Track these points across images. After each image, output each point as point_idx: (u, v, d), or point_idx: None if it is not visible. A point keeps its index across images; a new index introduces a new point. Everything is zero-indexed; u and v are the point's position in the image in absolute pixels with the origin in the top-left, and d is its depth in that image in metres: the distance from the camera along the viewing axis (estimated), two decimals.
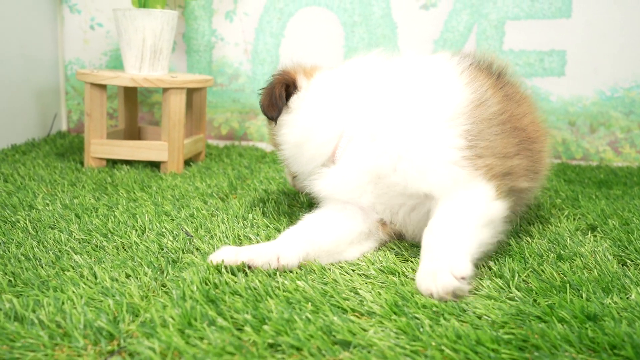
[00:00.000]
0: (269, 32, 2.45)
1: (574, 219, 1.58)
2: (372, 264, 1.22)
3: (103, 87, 1.99)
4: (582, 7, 2.33)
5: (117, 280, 1.09)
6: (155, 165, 2.07)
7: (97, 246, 1.27)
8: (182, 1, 2.45)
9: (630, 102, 2.38)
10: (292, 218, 1.50)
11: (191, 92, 2.16)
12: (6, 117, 2.19)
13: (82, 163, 2.05)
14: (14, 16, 2.18)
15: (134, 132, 2.28)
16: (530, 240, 1.37)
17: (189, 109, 2.17)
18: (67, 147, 2.31)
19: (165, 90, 1.96)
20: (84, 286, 1.06)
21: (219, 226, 1.41)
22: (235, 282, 1.08)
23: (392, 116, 1.30)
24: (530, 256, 1.27)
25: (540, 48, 2.38)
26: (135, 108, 2.27)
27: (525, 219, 1.55)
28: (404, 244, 1.35)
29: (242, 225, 1.43)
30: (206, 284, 1.07)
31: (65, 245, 1.26)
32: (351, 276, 1.16)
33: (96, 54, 2.51)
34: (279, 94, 1.41)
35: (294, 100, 1.42)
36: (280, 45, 2.45)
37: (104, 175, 1.88)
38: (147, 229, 1.38)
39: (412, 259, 1.26)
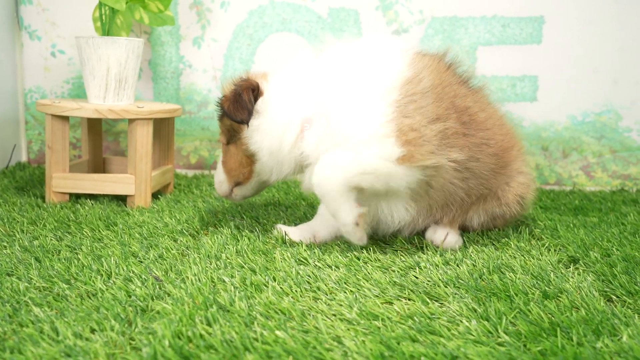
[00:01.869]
0: (238, 58, 2.40)
1: (555, 251, 1.55)
2: (351, 308, 1.16)
3: (65, 118, 1.90)
4: (552, 33, 2.34)
5: (80, 336, 1.01)
6: (121, 199, 1.98)
7: (59, 295, 1.19)
8: (148, 27, 2.38)
9: (602, 126, 2.39)
10: (268, 256, 1.43)
11: (159, 122, 2.09)
12: None
13: (43, 198, 1.95)
14: None
15: (98, 164, 2.19)
16: (513, 276, 1.33)
17: (156, 139, 2.09)
18: (27, 179, 2.20)
19: (131, 121, 1.88)
20: (45, 345, 0.97)
21: (190, 268, 1.33)
22: (211, 334, 1.01)
23: (338, 97, 1.44)
24: (516, 294, 1.22)
25: (512, 73, 2.37)
26: (99, 138, 2.19)
27: (506, 252, 1.52)
28: (383, 282, 1.29)
29: (215, 266, 1.36)
30: (179, 338, 1.00)
31: (24, 296, 1.17)
32: (333, 322, 1.09)
33: (58, 81, 2.41)
34: (248, 98, 1.51)
35: (260, 103, 1.53)
36: (250, 71, 2.39)
37: (66, 211, 1.78)
38: (113, 274, 1.30)
39: (395, 301, 1.20)
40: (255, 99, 1.53)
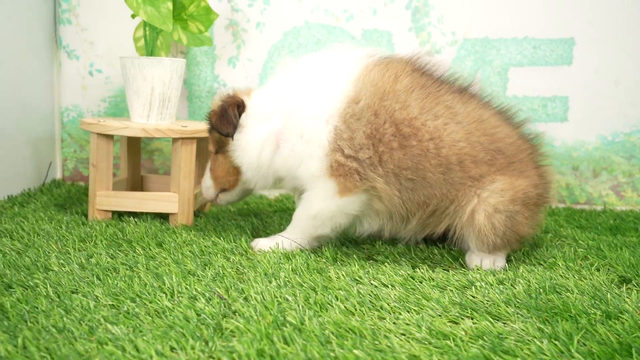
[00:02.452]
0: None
1: (604, 271, 1.56)
2: (420, 327, 1.17)
3: (110, 137, 1.92)
4: (583, 54, 2.37)
5: (162, 354, 1.02)
6: (162, 216, 2.00)
7: (128, 313, 1.20)
8: (184, 47, 2.42)
9: (631, 146, 2.41)
10: (323, 274, 1.45)
11: (198, 140, 2.11)
12: (1, 167, 2.10)
13: (85, 215, 1.97)
14: (8, 62, 2.11)
15: (137, 182, 2.21)
16: (571, 296, 1.34)
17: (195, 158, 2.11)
18: (65, 197, 2.22)
19: (175, 140, 1.91)
20: None
21: (252, 286, 1.35)
22: (293, 353, 1.02)
23: (291, 117, 1.60)
24: (579, 315, 1.24)
25: (543, 94, 2.40)
26: (138, 157, 2.21)
27: (556, 271, 1.53)
28: (443, 301, 1.30)
29: (275, 284, 1.37)
30: (262, 356, 1.01)
31: (96, 314, 1.18)
32: (404, 341, 1.11)
33: (95, 100, 2.44)
34: (234, 114, 1.65)
35: (243, 118, 1.67)
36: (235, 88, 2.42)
37: (113, 229, 1.80)
38: (176, 292, 1.31)
39: (460, 321, 1.22)
40: (240, 115, 1.67)
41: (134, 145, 2.18)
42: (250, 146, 1.65)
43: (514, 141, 1.62)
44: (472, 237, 1.58)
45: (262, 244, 1.68)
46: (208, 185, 1.79)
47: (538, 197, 1.61)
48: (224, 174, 1.75)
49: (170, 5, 1.89)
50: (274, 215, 2.13)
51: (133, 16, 2.06)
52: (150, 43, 2.02)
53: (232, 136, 1.66)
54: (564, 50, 2.38)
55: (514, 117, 1.69)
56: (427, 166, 1.54)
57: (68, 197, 2.23)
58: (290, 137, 1.60)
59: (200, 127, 1.98)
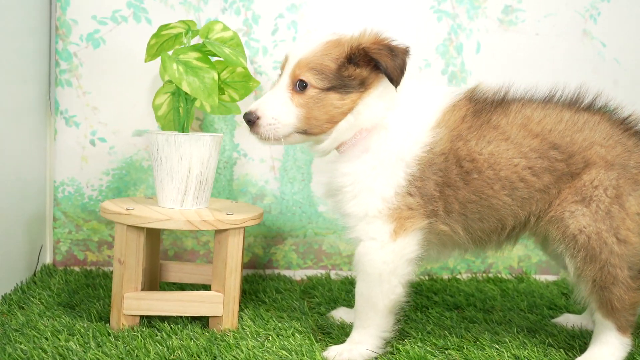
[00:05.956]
0: (299, 146, 2.20)
1: None
2: None
3: (140, 228, 1.62)
4: None
5: None
6: (198, 319, 1.70)
7: None
8: (200, 113, 2.15)
9: None
10: None
11: None
12: None
13: (104, 318, 1.65)
14: None
15: (154, 272, 1.90)
16: None
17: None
18: (67, 291, 1.88)
19: (220, 231, 1.63)
20: None
21: None
22: None
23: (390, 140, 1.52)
24: None
25: None
26: (157, 242, 1.90)
27: None
28: None
29: None
30: None
31: None
32: None
33: (96, 173, 2.12)
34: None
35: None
36: (312, 161, 2.20)
37: (151, 342, 1.49)
38: None
39: None
40: None
41: (153, 230, 1.88)
42: (378, 110, 1.50)
43: (571, 121, 1.49)
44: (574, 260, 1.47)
45: (346, 355, 1.44)
46: (285, 121, 1.49)
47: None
48: (326, 117, 1.50)
49: (215, 75, 1.63)
50: (320, 297, 1.90)
51: (147, 60, 1.77)
52: (185, 117, 1.74)
53: (399, 84, 1.46)
54: None
55: (575, 100, 1.56)
56: (491, 193, 1.46)
57: (70, 290, 1.88)
58: (373, 153, 1.49)
59: (247, 213, 1.71)
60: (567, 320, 1.77)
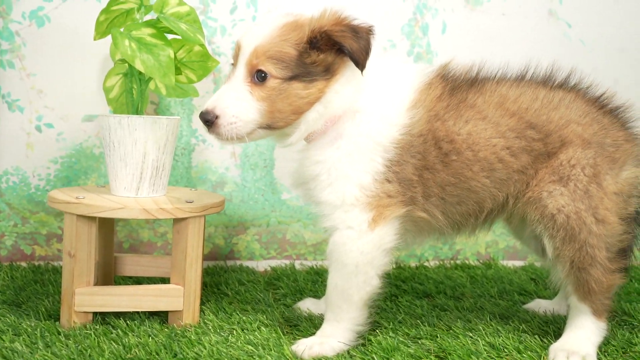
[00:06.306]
0: None
1: None
2: None
3: (92, 218, 1.51)
4: None
5: None
6: (156, 314, 1.59)
7: None
8: (155, 96, 2.03)
9: None
10: None
11: None
12: None
13: (54, 317, 1.53)
14: None
15: (108, 265, 1.78)
16: None
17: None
18: (12, 288, 1.74)
19: (178, 220, 1.53)
20: None
21: None
22: None
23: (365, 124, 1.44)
24: None
25: None
26: (111, 234, 1.78)
27: None
28: None
29: None
30: None
31: None
32: None
33: (43, 161, 1.97)
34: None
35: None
36: (274, 147, 2.10)
37: (108, 342, 1.38)
38: None
39: None
40: None
41: (107, 221, 1.76)
42: (348, 95, 1.40)
43: (547, 99, 1.44)
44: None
45: (316, 349, 1.36)
46: (248, 118, 1.37)
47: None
48: (291, 109, 1.38)
49: (171, 53, 1.52)
50: (286, 288, 1.82)
51: (96, 38, 1.64)
52: (139, 99, 1.63)
53: (364, 68, 1.35)
54: None
55: (548, 78, 1.52)
56: (470, 175, 1.41)
57: (16, 287, 1.75)
58: (348, 138, 1.40)
59: (208, 200, 1.61)
60: (539, 305, 1.73)
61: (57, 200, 1.51)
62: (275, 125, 1.40)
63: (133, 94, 1.63)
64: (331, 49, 1.37)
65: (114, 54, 1.80)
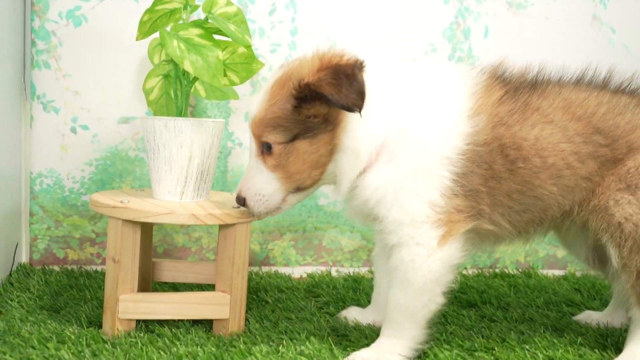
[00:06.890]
0: None
1: None
2: None
3: (136, 223, 1.46)
4: None
5: None
6: (199, 323, 1.55)
7: None
8: (193, 98, 1.99)
9: None
10: None
11: None
12: None
13: (94, 323, 1.49)
14: None
15: (147, 272, 1.73)
16: None
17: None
18: (48, 294, 1.70)
19: (225, 226, 1.49)
20: None
21: None
22: None
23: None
24: None
25: None
26: (149, 238, 1.74)
27: None
28: None
29: None
30: None
31: None
32: None
33: (77, 164, 1.93)
34: (361, 79, 1.29)
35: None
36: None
37: (153, 349, 1.34)
38: None
39: None
40: None
41: (146, 226, 1.71)
42: (374, 128, 1.31)
43: (612, 103, 1.40)
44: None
45: None
46: (271, 190, 1.35)
47: None
48: (308, 167, 1.32)
49: (220, 54, 1.48)
50: (327, 296, 1.77)
51: (139, 38, 1.60)
52: (182, 101, 1.59)
53: (361, 109, 1.23)
54: None
55: (607, 82, 1.47)
56: (538, 182, 1.35)
57: (52, 292, 1.71)
58: (407, 156, 1.31)
59: None
60: (590, 317, 1.68)
61: (101, 205, 1.46)
62: (303, 185, 1.36)
63: (178, 95, 1.59)
64: (320, 98, 1.26)
65: (152, 56, 1.76)
